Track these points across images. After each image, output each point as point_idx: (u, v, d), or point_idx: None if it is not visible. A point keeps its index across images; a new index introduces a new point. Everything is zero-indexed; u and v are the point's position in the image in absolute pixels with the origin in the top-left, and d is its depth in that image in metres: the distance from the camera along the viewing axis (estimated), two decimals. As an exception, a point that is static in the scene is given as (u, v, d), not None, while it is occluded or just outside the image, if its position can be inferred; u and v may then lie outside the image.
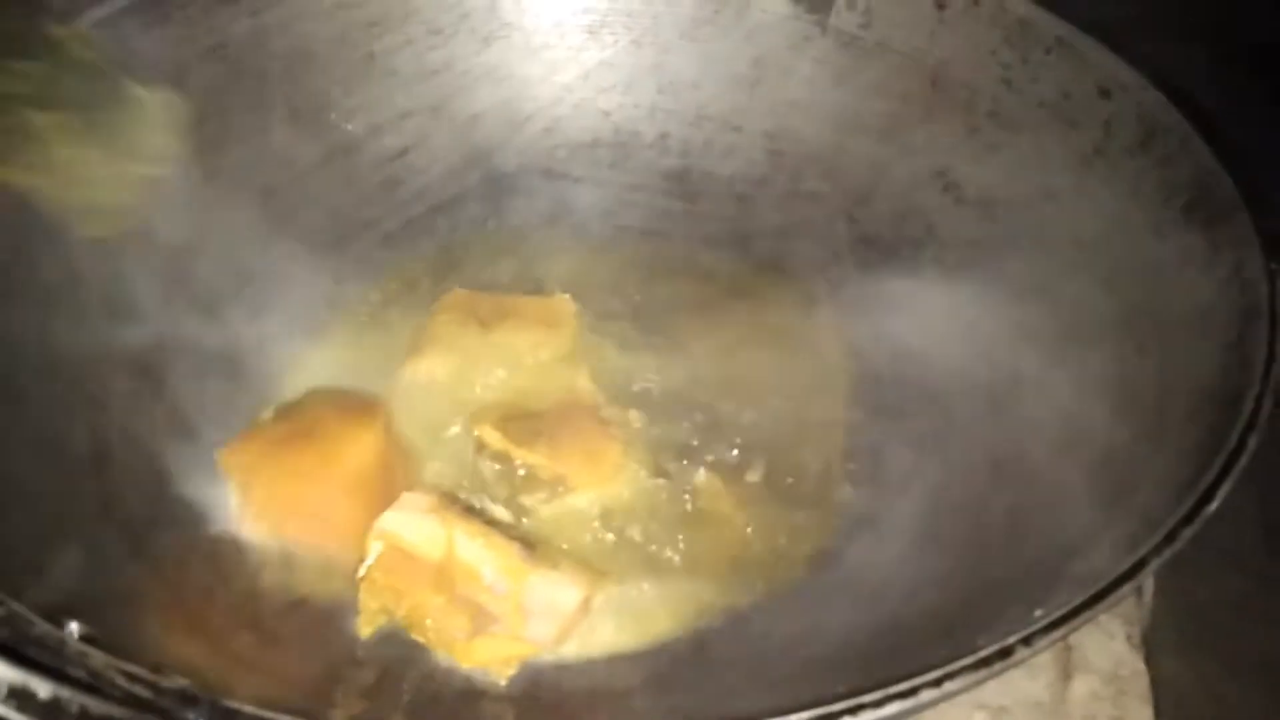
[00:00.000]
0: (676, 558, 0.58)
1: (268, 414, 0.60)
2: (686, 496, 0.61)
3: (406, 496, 0.54)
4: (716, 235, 0.77)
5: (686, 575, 0.57)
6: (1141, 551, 0.41)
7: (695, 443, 0.64)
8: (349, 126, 0.75)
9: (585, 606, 0.53)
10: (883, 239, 0.72)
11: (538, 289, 0.72)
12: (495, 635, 0.51)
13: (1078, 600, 0.39)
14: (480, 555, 0.52)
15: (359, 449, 0.56)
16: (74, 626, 0.38)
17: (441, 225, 0.77)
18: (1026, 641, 0.38)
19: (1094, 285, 0.59)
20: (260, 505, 0.55)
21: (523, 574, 0.52)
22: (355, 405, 0.60)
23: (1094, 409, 0.54)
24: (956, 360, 0.64)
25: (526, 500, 0.59)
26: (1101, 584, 0.40)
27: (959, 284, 0.67)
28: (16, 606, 0.39)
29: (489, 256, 0.76)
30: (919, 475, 0.60)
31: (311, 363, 0.68)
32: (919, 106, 0.72)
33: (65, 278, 0.56)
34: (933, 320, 0.67)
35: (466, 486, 0.59)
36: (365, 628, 0.53)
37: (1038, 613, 0.39)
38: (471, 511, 0.56)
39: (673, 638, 0.54)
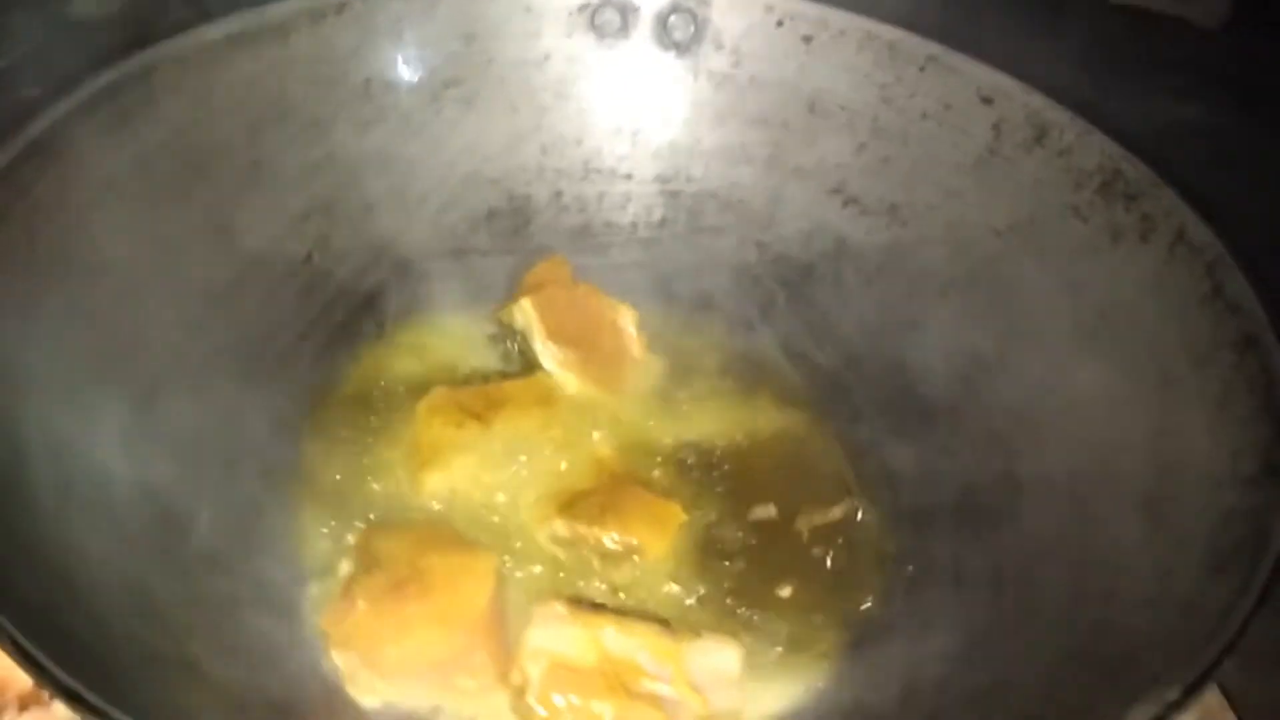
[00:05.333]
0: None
1: (345, 568, 0.55)
2: (739, 538, 0.63)
3: (540, 609, 0.52)
4: (636, 283, 0.79)
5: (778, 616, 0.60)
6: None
7: (720, 490, 0.66)
8: (250, 241, 0.69)
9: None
10: (796, 258, 0.78)
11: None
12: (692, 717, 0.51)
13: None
14: (631, 645, 0.52)
15: (476, 586, 0.53)
16: None
17: (366, 325, 0.73)
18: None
19: (1028, 265, 0.68)
20: (377, 667, 0.51)
21: (676, 651, 0.53)
22: (446, 537, 0.56)
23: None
24: (916, 352, 0.71)
25: (615, 576, 0.59)
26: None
27: (884, 285, 0.75)
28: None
29: (423, 346, 0.73)
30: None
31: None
32: (801, 132, 0.78)
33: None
34: (873, 321, 0.74)
35: (555, 581, 0.58)
36: (545, 754, 0.51)
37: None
38: (595, 605, 0.55)
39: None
